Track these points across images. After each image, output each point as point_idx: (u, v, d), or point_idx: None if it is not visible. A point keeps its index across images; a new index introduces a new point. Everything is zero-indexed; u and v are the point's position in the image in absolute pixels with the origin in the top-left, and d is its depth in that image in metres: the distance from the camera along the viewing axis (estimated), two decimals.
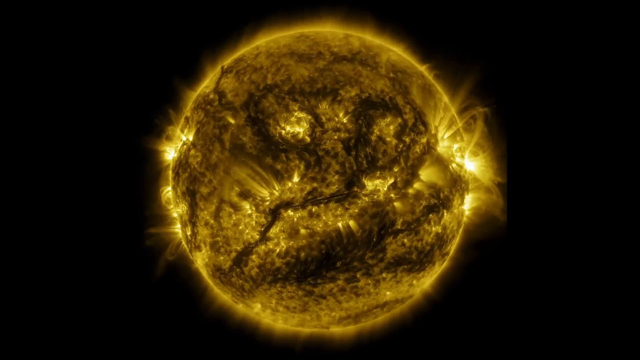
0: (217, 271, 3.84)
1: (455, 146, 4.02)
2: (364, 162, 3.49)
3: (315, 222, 3.45)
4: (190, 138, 3.83)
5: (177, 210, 3.94)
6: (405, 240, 3.75)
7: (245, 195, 3.39)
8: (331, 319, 4.20)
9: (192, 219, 3.68)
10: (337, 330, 4.54)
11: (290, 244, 3.48)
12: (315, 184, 3.41)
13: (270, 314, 4.18)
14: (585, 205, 3.76)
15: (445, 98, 4.23)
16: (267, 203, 3.41)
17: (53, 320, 4.43)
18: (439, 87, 4.28)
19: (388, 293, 4.09)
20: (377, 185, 3.52)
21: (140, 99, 4.41)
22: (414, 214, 3.69)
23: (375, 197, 3.53)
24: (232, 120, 3.53)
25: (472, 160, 4.11)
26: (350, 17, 4.29)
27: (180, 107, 4.39)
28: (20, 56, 4.23)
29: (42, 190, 4.33)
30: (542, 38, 3.94)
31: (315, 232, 3.45)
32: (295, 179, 3.36)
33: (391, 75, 3.94)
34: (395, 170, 3.59)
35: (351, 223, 3.50)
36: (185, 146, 3.85)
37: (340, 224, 3.48)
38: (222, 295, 4.30)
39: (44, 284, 4.45)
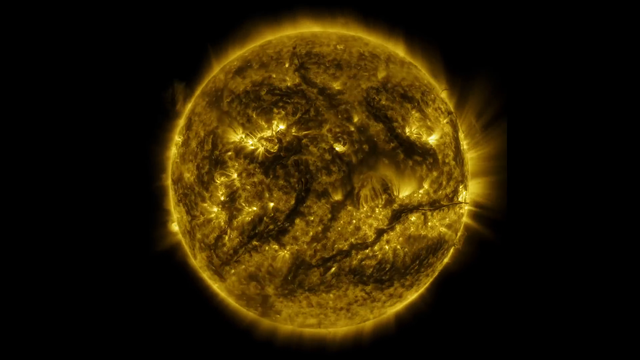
0: (298, 267, 3.52)
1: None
2: (463, 173, 3.71)
3: (426, 229, 3.52)
4: (281, 128, 3.42)
5: (259, 199, 3.53)
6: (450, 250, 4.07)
7: (379, 194, 3.27)
8: (354, 321, 4.21)
9: (294, 210, 3.33)
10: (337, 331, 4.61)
11: (399, 247, 3.47)
12: (435, 190, 3.47)
13: (300, 310, 4.02)
14: (586, 213, 3.78)
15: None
16: (395, 205, 3.35)
17: (56, 313, 4.26)
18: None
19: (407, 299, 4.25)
20: (464, 197, 3.77)
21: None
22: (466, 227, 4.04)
23: (461, 209, 3.77)
24: (355, 117, 3.35)
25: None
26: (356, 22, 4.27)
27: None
28: (36, 49, 4.19)
29: (48, 189, 4.25)
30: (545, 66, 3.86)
31: (427, 238, 3.53)
32: (426, 185, 3.41)
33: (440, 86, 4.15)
34: (468, 182, 3.88)
35: (445, 230, 3.66)
36: (280, 138, 3.45)
37: (438, 232, 3.60)
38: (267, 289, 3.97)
39: (43, 277, 4.22)
